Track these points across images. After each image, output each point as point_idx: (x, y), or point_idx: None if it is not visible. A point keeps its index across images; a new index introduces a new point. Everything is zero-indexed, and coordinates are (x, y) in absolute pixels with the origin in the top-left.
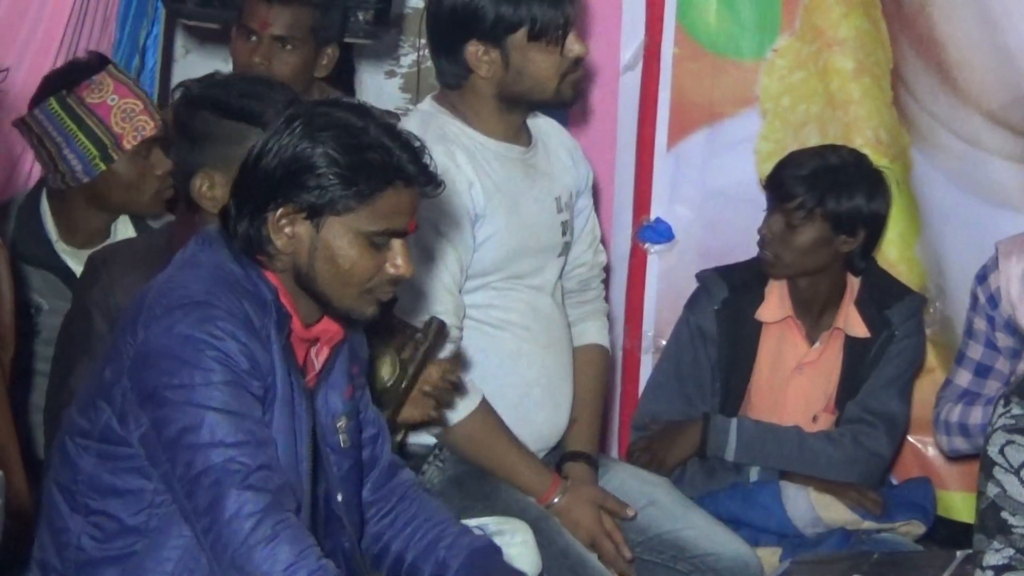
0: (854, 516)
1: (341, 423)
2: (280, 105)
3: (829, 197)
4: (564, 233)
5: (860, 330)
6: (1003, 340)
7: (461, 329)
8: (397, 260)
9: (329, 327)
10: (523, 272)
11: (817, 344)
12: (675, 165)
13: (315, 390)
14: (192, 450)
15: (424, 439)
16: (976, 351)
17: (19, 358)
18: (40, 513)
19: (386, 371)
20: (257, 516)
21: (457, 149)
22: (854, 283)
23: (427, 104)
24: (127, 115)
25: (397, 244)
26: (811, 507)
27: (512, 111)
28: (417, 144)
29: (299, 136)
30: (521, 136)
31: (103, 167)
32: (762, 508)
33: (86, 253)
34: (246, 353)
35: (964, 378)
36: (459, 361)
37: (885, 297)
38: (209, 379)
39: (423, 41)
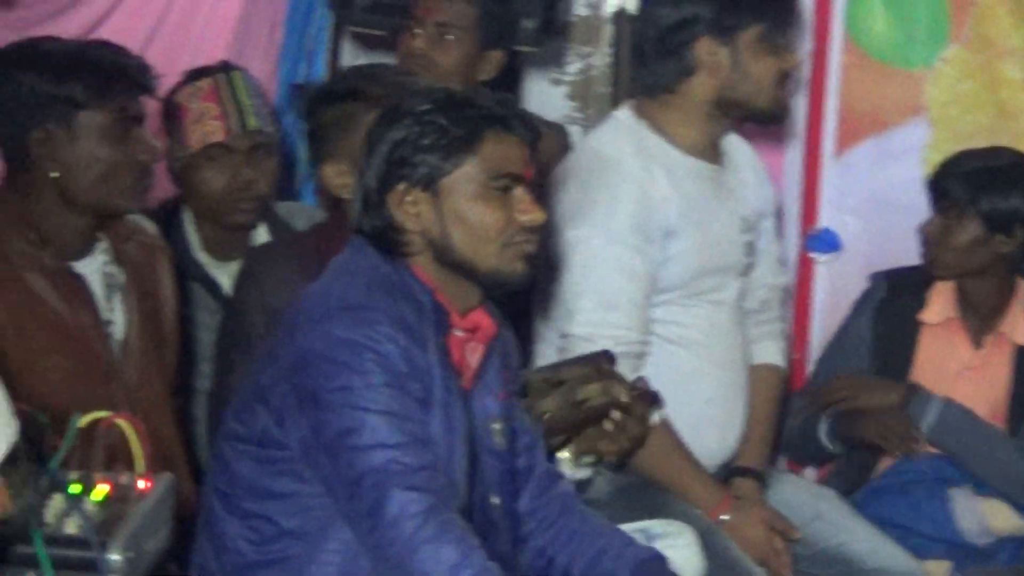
0: (1022, 522)
1: (496, 425)
2: (388, 82)
3: (983, 196)
4: (747, 253)
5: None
6: None
7: (646, 343)
8: (524, 206)
9: (483, 320)
10: (705, 289)
11: (982, 348)
12: (842, 174)
13: (470, 391)
14: (353, 452)
15: None
16: None
17: (179, 369)
18: (200, 518)
19: (551, 404)
20: (421, 516)
21: (655, 163)
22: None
23: (624, 113)
24: (199, 118)
25: (519, 191)
26: (981, 516)
27: (719, 121)
28: (502, 96)
29: (387, 123)
30: (715, 153)
31: (177, 167)
32: (929, 518)
33: (229, 266)
34: (405, 356)
35: None
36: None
37: None
38: (369, 381)
39: (589, 49)
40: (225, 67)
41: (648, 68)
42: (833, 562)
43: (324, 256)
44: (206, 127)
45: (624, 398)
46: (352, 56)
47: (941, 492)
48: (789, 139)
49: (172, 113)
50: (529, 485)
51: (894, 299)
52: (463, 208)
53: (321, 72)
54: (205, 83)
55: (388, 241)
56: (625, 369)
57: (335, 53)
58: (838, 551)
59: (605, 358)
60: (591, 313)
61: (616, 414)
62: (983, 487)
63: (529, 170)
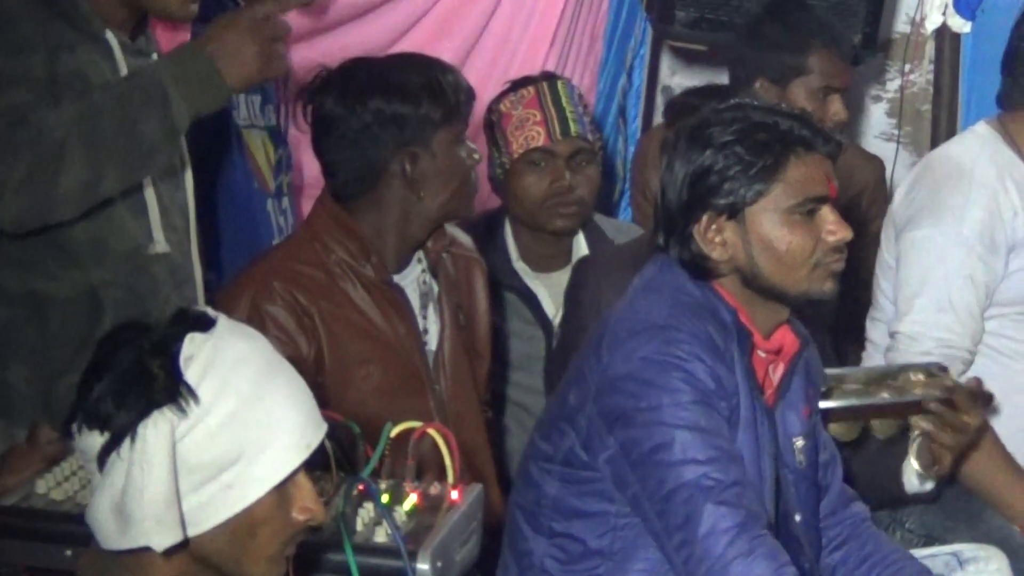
0: None
1: (799, 443)
2: None
3: None
4: None
5: None
6: None
7: (973, 353)
8: (831, 226)
9: (786, 339)
10: None
11: None
12: None
13: (774, 408)
14: (664, 468)
15: None
16: None
17: (490, 380)
18: (503, 534)
19: (884, 429)
20: (733, 531)
21: (1009, 176)
22: None
23: (982, 127)
24: (520, 124)
25: (825, 211)
26: None
27: None
28: (798, 110)
29: (688, 149)
30: None
31: (500, 174)
32: None
33: (547, 277)
34: (711, 374)
35: None
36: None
37: None
38: (677, 399)
39: (909, 67)
40: (548, 76)
41: (1016, 82)
42: None
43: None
44: (528, 132)
45: (959, 398)
46: (670, 71)
47: None
48: None
49: (495, 121)
50: (824, 501)
51: None
52: (770, 235)
53: (639, 86)
54: (528, 91)
55: (694, 267)
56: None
57: (654, 67)
58: None
59: (938, 367)
60: (923, 313)
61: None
62: None
63: (833, 186)
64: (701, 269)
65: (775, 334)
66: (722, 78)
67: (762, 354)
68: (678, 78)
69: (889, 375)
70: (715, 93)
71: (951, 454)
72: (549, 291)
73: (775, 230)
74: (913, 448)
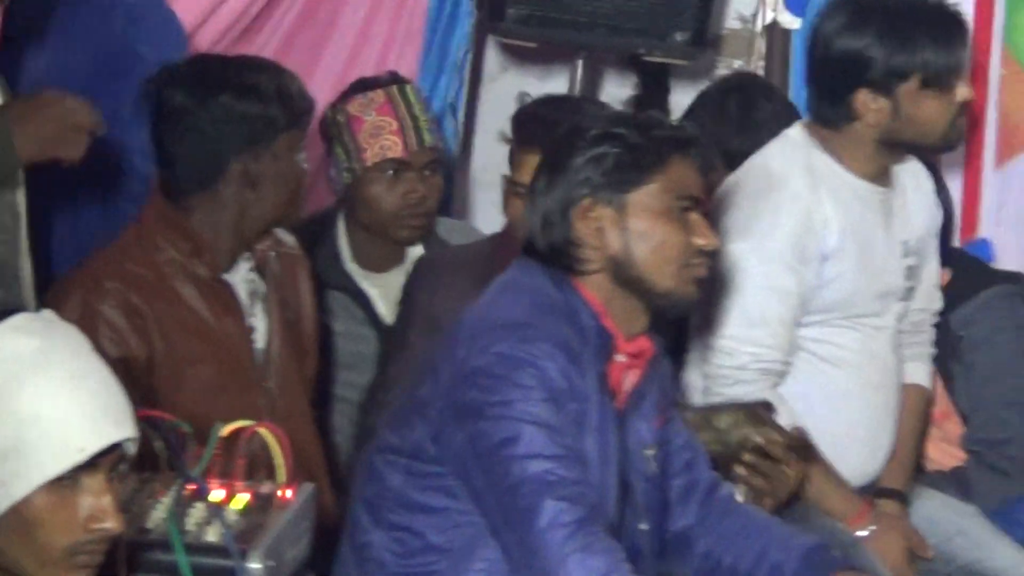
0: None
1: (650, 452)
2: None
3: None
4: (908, 277)
5: None
6: None
7: (788, 364)
8: (702, 231)
9: (645, 345)
10: (864, 313)
11: None
12: (1002, 187)
13: (624, 414)
14: (509, 461)
15: None
16: None
17: (318, 381)
18: (344, 527)
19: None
20: (573, 526)
21: (822, 184)
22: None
23: (797, 132)
24: (376, 132)
25: (696, 216)
26: None
27: (889, 155)
28: (686, 123)
29: (574, 140)
30: (884, 176)
31: (348, 180)
32: (1020, 524)
33: (379, 277)
34: (564, 374)
35: None
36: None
37: (957, 296)
38: (528, 395)
39: (740, 63)
40: (396, 79)
41: (815, 101)
42: None
43: (497, 267)
44: (384, 141)
45: (776, 449)
46: (500, 68)
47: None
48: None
49: (342, 123)
50: (694, 499)
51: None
52: (647, 226)
53: (463, 85)
54: (378, 95)
55: (563, 257)
56: (762, 386)
57: (477, 65)
58: (978, 567)
59: (763, 406)
60: (736, 328)
61: (766, 461)
62: None
63: (706, 196)
64: (570, 259)
65: (637, 340)
66: (554, 75)
67: (621, 358)
68: (510, 76)
69: (713, 417)
70: (566, 104)
71: (771, 500)
72: (382, 291)
73: (653, 221)
74: (739, 489)
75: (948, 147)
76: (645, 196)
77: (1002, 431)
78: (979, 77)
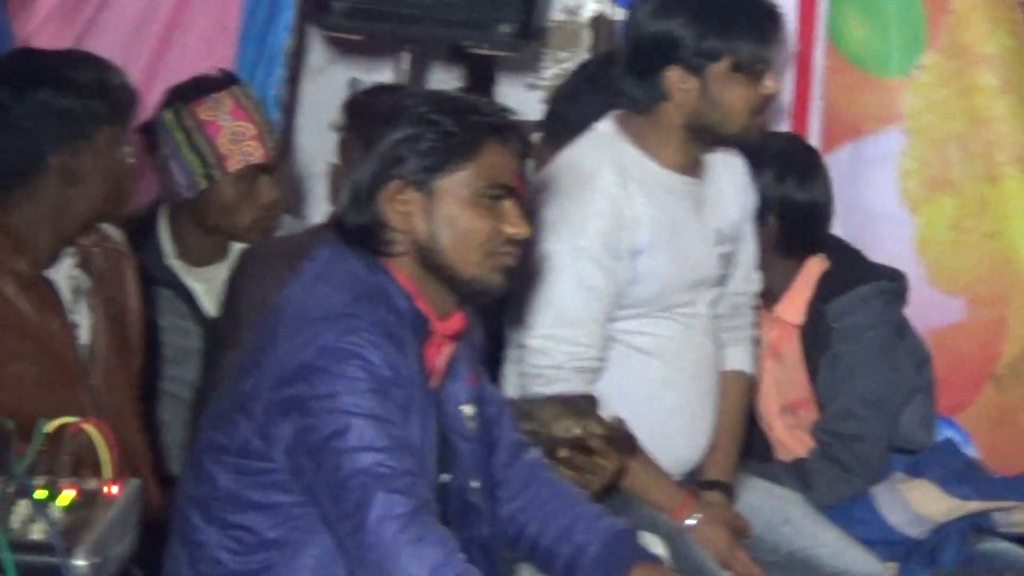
0: (955, 501)
1: (468, 410)
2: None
3: None
4: (722, 265)
5: (796, 319)
6: None
7: (603, 360)
8: (513, 219)
9: (458, 323)
10: (677, 304)
11: (773, 331)
12: None
13: (440, 388)
14: (339, 454)
15: None
16: None
17: (144, 376)
18: (173, 527)
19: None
20: (404, 518)
21: (631, 180)
22: (812, 272)
23: (607, 126)
24: (236, 138)
25: (509, 204)
26: (907, 506)
27: (696, 143)
28: (504, 107)
29: (388, 121)
30: (694, 167)
31: (204, 186)
32: (859, 521)
33: (203, 272)
34: (389, 362)
35: None
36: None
37: (835, 288)
38: (355, 387)
39: (566, 54)
40: (234, 79)
41: (628, 84)
42: (799, 566)
43: None
44: (245, 147)
45: (595, 441)
46: (326, 60)
47: (865, 496)
48: None
49: (191, 128)
50: (498, 455)
51: None
52: (454, 212)
53: (281, 81)
54: (223, 97)
55: (371, 239)
56: (579, 384)
57: (298, 59)
58: (803, 555)
59: (586, 400)
60: (549, 327)
61: (586, 455)
62: (917, 470)
63: (520, 184)
64: (377, 241)
65: (451, 319)
66: (381, 67)
67: (437, 338)
68: (337, 68)
69: (536, 409)
70: (398, 92)
71: (590, 492)
72: (206, 286)
73: (460, 208)
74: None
75: (745, 140)
76: (455, 183)
77: (856, 427)
78: (803, 69)
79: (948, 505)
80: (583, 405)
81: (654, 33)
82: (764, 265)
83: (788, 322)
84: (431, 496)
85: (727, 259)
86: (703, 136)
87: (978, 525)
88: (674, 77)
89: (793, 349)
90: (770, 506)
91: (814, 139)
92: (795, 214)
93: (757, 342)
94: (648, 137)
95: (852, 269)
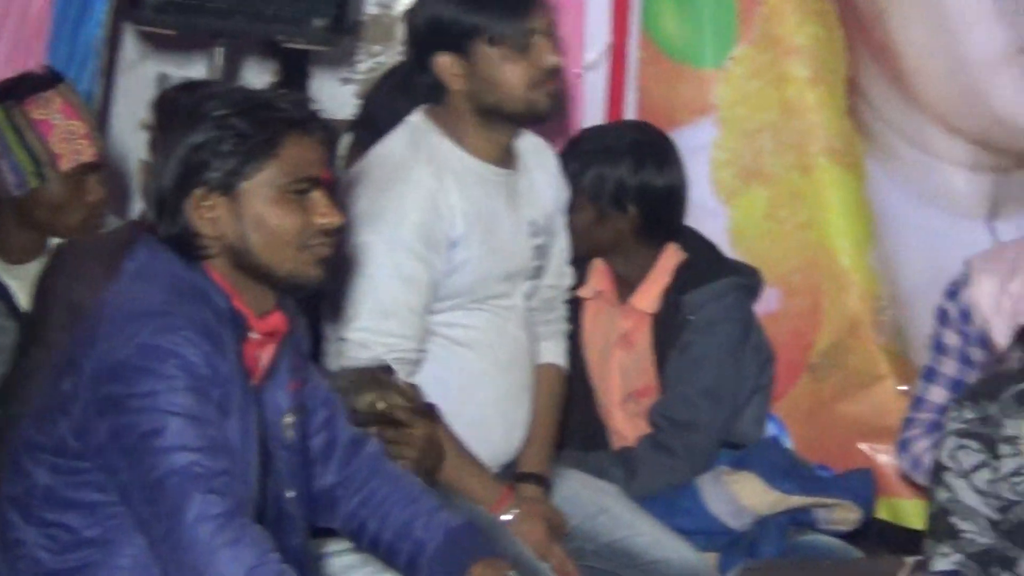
0: (777, 495)
1: (288, 419)
2: None
3: (586, 175)
4: (537, 257)
5: (650, 308)
6: (976, 355)
7: (422, 351)
8: (322, 209)
9: (279, 321)
10: (492, 295)
11: (628, 320)
12: None
13: (260, 389)
14: (155, 454)
15: None
16: (950, 367)
17: None
18: None
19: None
20: (221, 519)
21: (446, 172)
22: (668, 262)
23: (418, 118)
24: (68, 137)
25: (318, 195)
26: (732, 497)
27: (494, 128)
28: (299, 95)
29: (184, 126)
30: (507, 157)
31: (35, 184)
32: (685, 511)
33: (19, 269)
34: (207, 361)
35: (938, 395)
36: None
37: (692, 280)
38: (172, 386)
39: (380, 48)
40: (56, 76)
41: (416, 77)
42: (617, 555)
43: None
44: (75, 146)
45: (400, 413)
46: (139, 55)
47: (690, 485)
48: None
49: (21, 127)
50: (335, 456)
51: None
52: (261, 212)
53: (94, 76)
54: (53, 97)
55: (184, 245)
56: (400, 376)
57: (114, 53)
58: (621, 544)
59: (383, 370)
60: (367, 320)
61: (390, 429)
62: (742, 463)
63: (327, 172)
64: (191, 247)
65: (269, 318)
66: (194, 62)
67: (255, 336)
68: (149, 63)
69: (332, 380)
70: (207, 89)
71: (412, 465)
72: (22, 283)
73: (267, 207)
74: None
75: (536, 117)
76: (259, 183)
77: (691, 415)
78: (618, 60)
79: (771, 498)
80: (381, 376)
81: (423, 21)
82: (623, 255)
83: (643, 311)
84: (248, 496)
85: (542, 251)
86: (494, 119)
87: (799, 520)
88: (445, 62)
89: (644, 337)
90: (587, 497)
91: None
92: (656, 200)
93: (569, 336)
94: (454, 127)
95: (709, 262)
